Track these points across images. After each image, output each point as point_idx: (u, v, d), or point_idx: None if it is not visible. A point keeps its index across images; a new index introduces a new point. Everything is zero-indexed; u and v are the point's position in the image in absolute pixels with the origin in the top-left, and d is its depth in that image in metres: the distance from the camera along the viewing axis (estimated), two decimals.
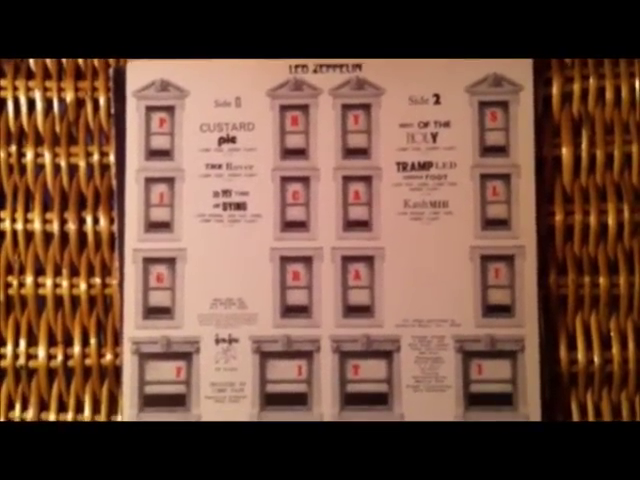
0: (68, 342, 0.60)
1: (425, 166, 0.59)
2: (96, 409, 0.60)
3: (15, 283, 0.60)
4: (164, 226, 0.59)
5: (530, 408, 0.57)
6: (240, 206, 0.59)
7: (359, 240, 0.59)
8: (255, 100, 0.59)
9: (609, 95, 0.60)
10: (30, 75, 0.61)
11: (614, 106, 0.60)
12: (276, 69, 0.59)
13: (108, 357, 0.60)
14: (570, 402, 0.59)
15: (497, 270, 0.58)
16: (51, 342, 0.60)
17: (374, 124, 0.59)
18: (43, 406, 0.60)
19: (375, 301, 0.58)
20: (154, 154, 0.59)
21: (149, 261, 0.59)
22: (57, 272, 0.60)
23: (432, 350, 0.58)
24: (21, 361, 0.60)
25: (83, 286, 0.60)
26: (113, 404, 0.60)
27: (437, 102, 0.59)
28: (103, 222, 0.60)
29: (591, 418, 0.59)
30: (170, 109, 0.60)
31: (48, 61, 0.61)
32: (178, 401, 0.58)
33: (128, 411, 0.58)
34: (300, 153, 0.59)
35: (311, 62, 0.59)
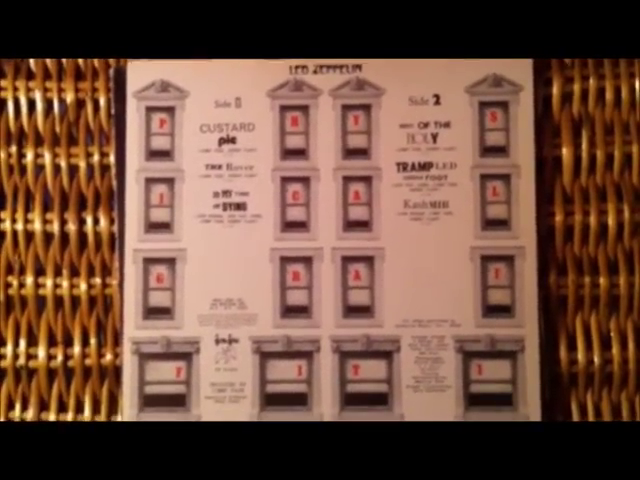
0: (68, 342, 0.60)
1: (425, 166, 0.59)
2: (96, 409, 0.60)
3: (15, 283, 0.60)
4: (164, 226, 0.59)
5: (530, 408, 0.57)
6: (240, 206, 0.59)
7: (359, 240, 0.59)
8: (255, 101, 0.59)
9: (609, 95, 0.60)
10: (30, 75, 0.61)
11: (614, 106, 0.60)
12: (276, 70, 0.59)
13: (108, 357, 0.60)
14: (570, 402, 0.59)
15: (497, 270, 0.58)
16: (51, 342, 0.60)
17: (374, 124, 0.59)
18: (43, 406, 0.60)
19: (375, 301, 0.58)
20: (154, 154, 0.59)
21: (149, 261, 0.59)
22: (57, 272, 0.60)
23: (432, 350, 0.58)
24: (21, 361, 0.60)
25: (83, 286, 0.60)
26: (113, 404, 0.60)
27: (437, 102, 0.59)
28: (103, 222, 0.60)
29: (591, 418, 0.59)
30: (170, 110, 0.60)
31: (48, 61, 0.61)
32: (178, 401, 0.58)
33: (128, 411, 0.58)
34: (300, 153, 0.59)
35: (311, 63, 0.59)
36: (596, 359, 0.59)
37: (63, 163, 0.60)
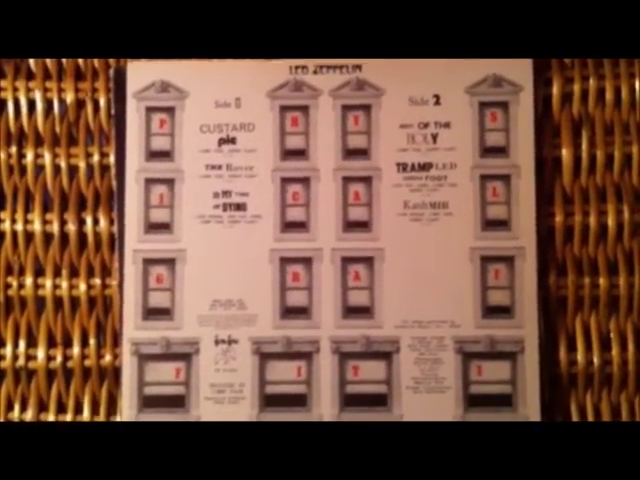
0: (67, 343, 0.60)
1: (425, 167, 0.59)
2: (95, 410, 0.60)
3: (15, 284, 0.60)
4: (164, 227, 0.59)
5: (530, 409, 0.57)
6: (240, 207, 0.59)
7: (359, 241, 0.58)
8: (255, 101, 0.59)
9: (609, 96, 0.60)
10: (30, 76, 0.61)
11: (614, 107, 0.60)
12: (276, 70, 0.59)
13: (107, 358, 0.60)
14: (570, 403, 0.59)
15: (497, 271, 0.58)
16: (50, 343, 0.60)
17: (374, 125, 0.59)
18: (42, 407, 0.60)
19: (375, 302, 0.58)
20: (154, 155, 0.59)
21: (149, 262, 0.59)
22: (57, 273, 0.60)
23: (432, 351, 0.58)
24: (20, 362, 0.60)
25: (83, 287, 0.60)
26: (112, 405, 0.59)
27: (437, 103, 0.59)
28: (103, 223, 0.60)
29: (590, 419, 0.59)
30: (170, 110, 0.60)
31: (48, 62, 0.61)
32: (177, 402, 0.58)
33: (127, 412, 0.58)
34: (300, 154, 0.59)
35: (311, 63, 0.59)
36: (596, 360, 0.59)
37: (63, 163, 0.60)
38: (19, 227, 0.60)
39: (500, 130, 0.59)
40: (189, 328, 0.58)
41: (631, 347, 0.58)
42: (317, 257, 0.58)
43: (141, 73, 0.60)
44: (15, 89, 0.61)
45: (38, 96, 0.61)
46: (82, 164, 0.60)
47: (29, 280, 0.60)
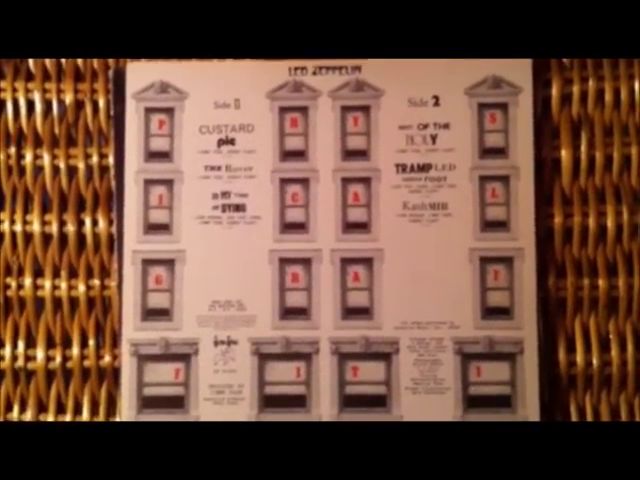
0: (67, 344, 0.60)
1: (424, 168, 0.59)
2: (94, 411, 0.60)
3: (14, 284, 0.60)
4: (163, 228, 0.59)
5: (529, 410, 0.57)
6: (239, 208, 0.59)
7: (358, 242, 0.58)
8: (254, 102, 0.59)
9: (608, 97, 0.60)
10: (29, 76, 0.61)
11: (613, 108, 0.60)
12: (275, 71, 0.59)
13: (107, 359, 0.60)
14: (569, 404, 0.59)
15: (496, 272, 0.58)
16: (50, 344, 0.60)
17: (373, 126, 0.59)
18: (41, 408, 0.60)
19: (374, 303, 0.58)
20: (153, 156, 0.59)
21: (148, 263, 0.59)
22: (56, 274, 0.60)
23: (431, 352, 0.58)
24: (20, 363, 0.60)
25: (82, 288, 0.60)
26: (112, 406, 0.59)
27: (436, 104, 0.59)
28: (102, 224, 0.60)
29: (590, 420, 0.58)
30: (169, 111, 0.60)
31: (47, 62, 0.61)
32: (177, 403, 0.58)
33: (127, 413, 0.58)
34: (299, 155, 0.59)
35: (310, 64, 0.59)
36: (595, 361, 0.59)
37: (62, 164, 0.60)
38: (18, 228, 0.60)
39: (499, 131, 0.59)
40: (188, 329, 0.58)
41: (630, 348, 0.58)
42: (316, 258, 0.58)
43: (140, 74, 0.60)
44: (14, 90, 0.61)
45: (37, 97, 0.61)
46: (81, 165, 0.60)
47: (28, 281, 0.60)
